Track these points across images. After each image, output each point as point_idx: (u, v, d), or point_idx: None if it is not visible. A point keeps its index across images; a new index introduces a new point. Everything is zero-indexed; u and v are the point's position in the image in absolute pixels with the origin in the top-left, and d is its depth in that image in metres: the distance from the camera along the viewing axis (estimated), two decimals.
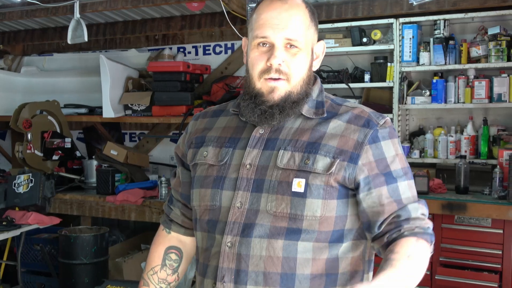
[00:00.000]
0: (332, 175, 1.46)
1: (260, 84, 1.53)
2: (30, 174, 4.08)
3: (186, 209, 1.76)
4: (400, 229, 1.45)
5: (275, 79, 1.50)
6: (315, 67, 1.60)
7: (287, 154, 1.50)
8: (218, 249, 1.52)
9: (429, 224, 1.48)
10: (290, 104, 1.52)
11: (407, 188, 1.50)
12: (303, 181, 1.46)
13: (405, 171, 1.51)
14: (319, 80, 1.65)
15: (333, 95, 1.65)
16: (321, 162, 1.47)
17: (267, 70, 1.50)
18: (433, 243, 1.48)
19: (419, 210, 1.48)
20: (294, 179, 1.46)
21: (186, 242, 1.79)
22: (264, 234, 1.46)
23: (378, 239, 1.49)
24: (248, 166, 1.53)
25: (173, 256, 1.77)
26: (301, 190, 1.45)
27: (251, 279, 1.46)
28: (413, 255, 1.39)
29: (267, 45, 1.51)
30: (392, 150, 1.51)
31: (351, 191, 1.49)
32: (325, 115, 1.55)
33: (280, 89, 1.51)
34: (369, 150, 1.48)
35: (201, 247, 1.60)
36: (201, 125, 1.72)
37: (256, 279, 1.46)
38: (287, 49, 1.50)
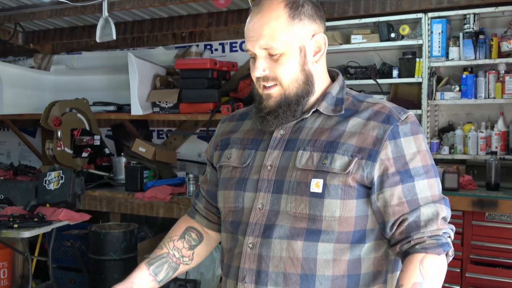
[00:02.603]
0: (350, 174, 1.44)
1: (261, 90, 1.55)
2: (61, 171, 4.14)
3: (209, 206, 1.78)
4: (410, 241, 1.43)
5: (269, 87, 1.52)
6: (319, 61, 1.56)
7: (306, 155, 1.50)
8: (240, 250, 1.53)
9: (445, 229, 1.45)
10: (286, 107, 1.52)
11: (425, 187, 1.46)
12: (321, 181, 1.45)
13: (426, 169, 1.47)
14: (340, 76, 1.63)
15: (360, 91, 1.64)
16: (339, 161, 1.46)
17: (258, 79, 1.53)
18: (450, 250, 1.45)
19: (434, 212, 1.45)
20: (312, 180, 1.46)
21: (208, 232, 1.80)
22: (284, 235, 1.47)
23: (391, 247, 1.48)
24: (269, 167, 1.54)
25: (193, 235, 1.79)
26: (319, 190, 1.45)
27: (271, 280, 1.47)
28: (420, 283, 1.38)
29: (253, 56, 1.53)
30: (413, 147, 1.48)
31: (370, 190, 1.47)
32: (343, 112, 1.53)
33: (274, 95, 1.53)
34: (388, 146, 1.46)
35: (225, 248, 1.62)
36: (228, 127, 1.74)
37: (276, 280, 1.46)
38: (269, 56, 1.50)
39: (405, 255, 1.44)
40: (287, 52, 1.50)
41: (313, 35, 1.54)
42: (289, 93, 1.52)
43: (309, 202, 1.45)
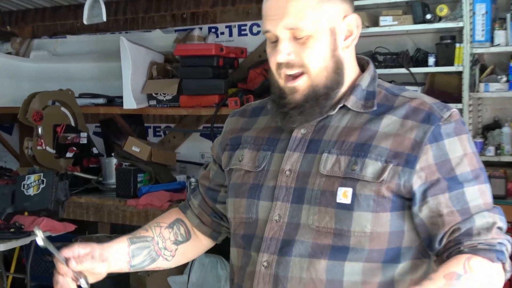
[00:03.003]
0: (384, 183, 1.42)
1: (282, 81, 1.51)
2: (41, 174, 4.14)
3: (205, 205, 1.78)
4: (460, 247, 1.40)
5: (294, 78, 1.48)
6: (349, 46, 1.54)
7: (332, 158, 1.47)
8: (253, 269, 1.51)
9: (500, 239, 1.42)
10: (313, 101, 1.49)
11: (477, 194, 1.44)
12: (349, 190, 1.43)
13: (476, 174, 1.45)
14: (371, 65, 1.60)
15: (391, 82, 1.62)
16: (371, 167, 1.43)
17: (278, 66, 1.50)
18: (507, 263, 1.42)
19: (489, 220, 1.42)
20: (339, 188, 1.44)
21: (197, 234, 1.79)
22: (305, 253, 1.45)
23: (438, 259, 1.46)
24: (287, 172, 1.52)
25: (182, 230, 1.78)
26: (347, 201, 1.43)
27: None
28: (458, 274, 1.35)
29: (274, 40, 1.50)
30: (459, 149, 1.45)
31: (407, 202, 1.45)
32: (375, 108, 1.51)
33: (300, 88, 1.49)
34: (429, 150, 1.43)
35: (236, 265, 1.60)
36: (238, 124, 1.72)
37: None
38: (294, 39, 1.47)
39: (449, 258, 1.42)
40: (316, 34, 1.47)
41: (344, 16, 1.52)
42: (317, 84, 1.49)
43: (335, 214, 1.43)
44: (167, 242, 1.73)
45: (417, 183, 1.42)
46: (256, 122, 1.68)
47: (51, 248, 1.57)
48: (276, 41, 1.50)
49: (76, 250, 1.57)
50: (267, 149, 1.59)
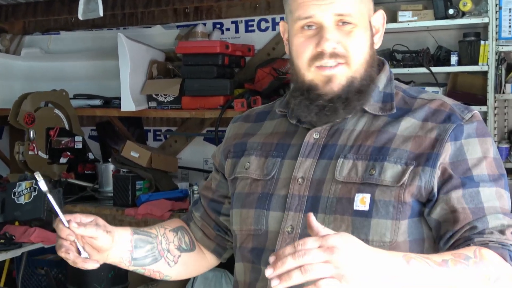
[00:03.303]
0: (405, 187, 1.45)
1: (312, 74, 1.52)
2: (33, 181, 4.16)
3: (207, 217, 1.78)
4: (469, 243, 1.41)
5: (331, 67, 1.49)
6: (377, 44, 1.59)
7: (348, 164, 1.50)
8: (263, 285, 1.52)
9: None
10: (354, 94, 1.51)
11: (493, 196, 1.45)
12: (367, 196, 1.45)
13: (494, 178, 1.47)
14: (387, 66, 1.64)
15: (410, 82, 1.66)
16: (390, 171, 1.46)
17: (318, 56, 1.50)
18: None
19: (504, 222, 1.43)
20: (357, 195, 1.46)
21: (201, 248, 1.79)
22: None
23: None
24: (300, 180, 1.53)
25: (186, 238, 1.78)
26: (365, 208, 1.45)
27: None
28: (467, 257, 1.32)
29: (314, 27, 1.51)
30: (478, 151, 1.48)
31: (423, 207, 1.47)
32: (394, 111, 1.54)
33: (339, 77, 1.50)
34: (449, 148, 1.46)
35: (242, 282, 1.62)
36: (242, 129, 1.74)
37: None
38: (339, 27, 1.49)
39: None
40: (360, 24, 1.51)
41: (374, 12, 1.58)
42: (356, 76, 1.52)
43: (351, 222, 1.45)
44: (171, 245, 1.74)
45: (436, 182, 1.45)
46: (261, 127, 1.70)
47: (52, 200, 1.56)
48: (315, 29, 1.51)
49: (79, 217, 1.57)
50: (277, 155, 1.60)
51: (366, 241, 1.42)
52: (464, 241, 1.42)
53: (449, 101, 1.56)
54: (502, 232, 1.42)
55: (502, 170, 1.51)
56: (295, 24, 1.53)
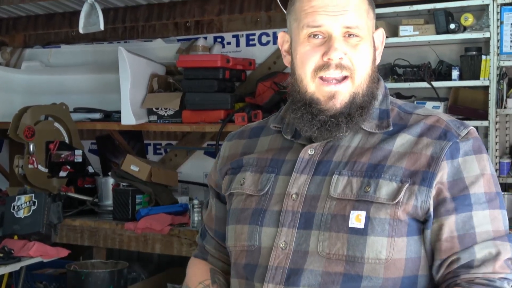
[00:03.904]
0: (400, 204, 1.44)
1: (315, 87, 1.51)
2: (33, 195, 4.16)
3: (221, 248, 1.77)
4: (457, 280, 1.42)
5: (336, 82, 1.49)
6: (377, 61, 1.60)
7: (343, 180, 1.49)
8: None
9: (504, 274, 1.43)
10: (356, 110, 1.51)
11: (487, 219, 1.45)
12: (363, 214, 1.45)
13: (489, 197, 1.47)
14: (382, 82, 1.64)
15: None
16: (385, 188, 1.45)
17: (324, 66, 1.50)
18: None
19: (492, 250, 1.43)
20: (352, 212, 1.46)
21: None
22: (315, 282, 1.45)
23: None
24: (294, 196, 1.53)
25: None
26: (361, 225, 1.44)
27: None
28: None
29: (321, 37, 1.51)
30: (476, 169, 1.48)
31: (423, 225, 1.47)
32: (391, 128, 1.54)
33: (343, 94, 1.50)
34: (446, 167, 1.46)
35: None
36: (238, 147, 1.73)
37: None
38: (346, 39, 1.50)
39: None
40: (366, 38, 1.53)
41: (376, 29, 1.60)
42: (358, 92, 1.52)
43: (347, 240, 1.44)
44: None
45: (432, 203, 1.45)
46: (257, 144, 1.69)
47: None
48: (322, 38, 1.51)
49: None
50: (271, 171, 1.60)
51: (362, 258, 1.43)
52: (452, 277, 1.43)
53: (445, 117, 1.55)
54: (491, 263, 1.42)
55: (498, 188, 1.51)
56: (302, 32, 1.52)
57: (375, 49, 1.58)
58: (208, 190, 1.93)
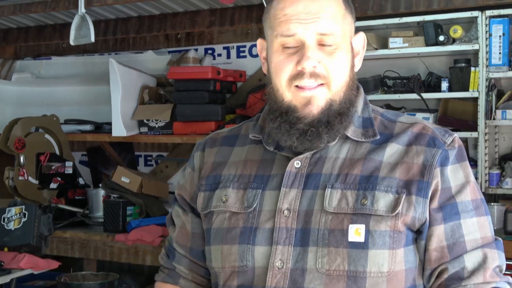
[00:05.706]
0: (400, 216, 1.44)
1: (291, 95, 1.48)
2: (23, 207, 4.14)
3: (196, 267, 1.70)
4: None
5: (310, 88, 1.46)
6: (357, 67, 1.57)
7: (337, 194, 1.46)
8: None
9: (495, 283, 1.43)
10: (335, 116, 1.48)
11: (475, 226, 1.46)
12: (362, 227, 1.43)
13: (476, 205, 1.48)
14: (361, 89, 1.62)
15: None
16: (383, 200, 1.44)
17: (298, 75, 1.46)
18: None
19: (482, 260, 1.44)
20: (350, 226, 1.43)
21: None
22: None
23: None
24: (286, 212, 1.49)
25: None
26: (361, 239, 1.42)
27: None
28: None
29: (295, 45, 1.47)
30: (461, 177, 1.48)
31: (415, 234, 1.48)
32: (378, 137, 1.52)
33: (318, 99, 1.47)
34: (438, 175, 1.47)
35: None
36: (211, 157, 1.67)
37: None
38: (320, 47, 1.46)
39: None
40: (342, 45, 1.49)
41: (355, 34, 1.56)
42: (335, 99, 1.48)
43: (347, 254, 1.42)
44: None
45: (428, 214, 1.45)
46: (232, 154, 1.65)
47: None
48: (296, 47, 1.48)
49: None
50: (257, 187, 1.55)
51: (364, 272, 1.41)
52: None
53: (429, 125, 1.55)
54: (480, 272, 1.42)
55: (481, 194, 1.52)
56: (275, 41, 1.50)
57: (353, 55, 1.54)
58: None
